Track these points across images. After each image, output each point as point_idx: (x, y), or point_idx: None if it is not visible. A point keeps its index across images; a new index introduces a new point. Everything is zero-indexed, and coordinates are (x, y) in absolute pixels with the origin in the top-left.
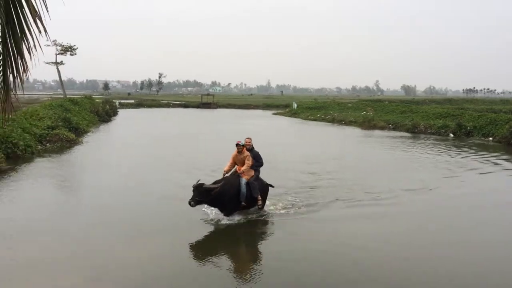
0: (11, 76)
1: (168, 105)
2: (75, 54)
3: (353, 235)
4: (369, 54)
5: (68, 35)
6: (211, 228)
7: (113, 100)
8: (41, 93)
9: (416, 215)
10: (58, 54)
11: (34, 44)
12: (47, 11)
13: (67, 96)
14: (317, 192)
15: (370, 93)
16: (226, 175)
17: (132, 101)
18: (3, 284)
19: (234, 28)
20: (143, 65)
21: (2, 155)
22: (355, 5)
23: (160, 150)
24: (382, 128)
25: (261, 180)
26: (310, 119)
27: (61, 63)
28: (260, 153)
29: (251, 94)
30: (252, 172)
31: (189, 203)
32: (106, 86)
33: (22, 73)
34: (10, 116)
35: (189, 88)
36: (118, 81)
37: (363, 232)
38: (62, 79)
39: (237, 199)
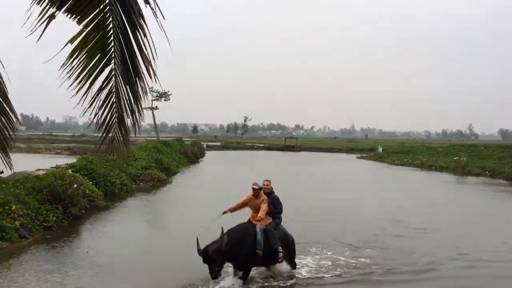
0: (128, 121)
1: (252, 148)
2: (169, 99)
3: None
4: (461, 96)
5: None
6: None
7: (201, 143)
8: (137, 135)
9: None
10: (154, 99)
11: (145, 90)
12: (156, 58)
13: (160, 138)
14: (408, 244)
15: (463, 137)
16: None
17: (219, 143)
18: None
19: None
20: (230, 108)
21: (101, 193)
22: (447, 47)
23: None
24: (477, 174)
25: (283, 229)
26: (396, 164)
27: (156, 108)
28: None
29: (335, 138)
30: (269, 220)
31: (213, 278)
32: (195, 129)
33: (139, 117)
34: (127, 158)
35: (272, 131)
36: (206, 124)
37: None
38: (156, 122)
39: (253, 251)
